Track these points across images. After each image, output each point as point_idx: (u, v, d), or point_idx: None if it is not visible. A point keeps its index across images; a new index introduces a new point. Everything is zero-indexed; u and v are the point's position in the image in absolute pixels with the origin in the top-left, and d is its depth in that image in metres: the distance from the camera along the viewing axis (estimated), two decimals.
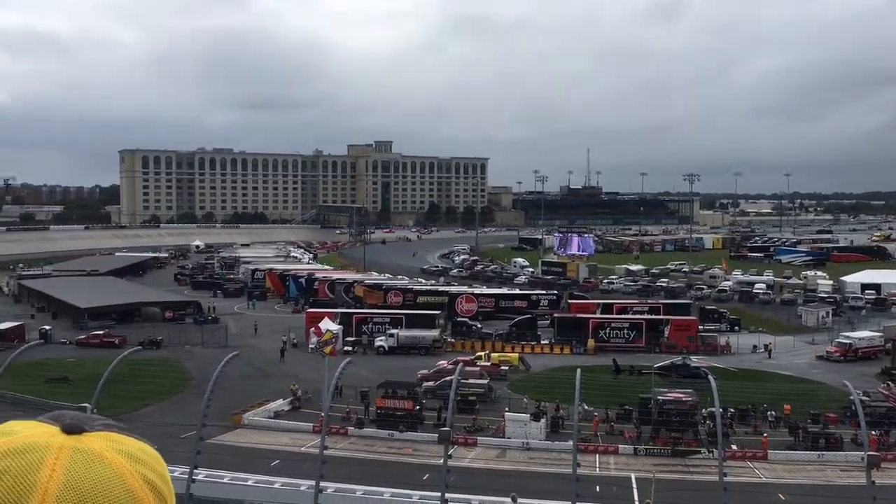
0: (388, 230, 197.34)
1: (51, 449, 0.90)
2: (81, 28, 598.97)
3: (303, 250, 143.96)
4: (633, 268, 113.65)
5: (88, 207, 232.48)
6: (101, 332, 64.77)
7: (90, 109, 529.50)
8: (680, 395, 42.61)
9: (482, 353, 58.24)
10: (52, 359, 54.79)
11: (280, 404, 46.73)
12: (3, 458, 0.89)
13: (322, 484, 26.72)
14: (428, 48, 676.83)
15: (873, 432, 35.84)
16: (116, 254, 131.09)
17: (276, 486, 31.99)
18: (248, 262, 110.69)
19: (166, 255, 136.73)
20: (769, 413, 43.58)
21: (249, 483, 30.71)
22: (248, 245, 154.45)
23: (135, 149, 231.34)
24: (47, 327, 66.67)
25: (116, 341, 61.22)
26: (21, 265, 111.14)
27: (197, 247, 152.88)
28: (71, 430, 0.94)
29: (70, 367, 53.11)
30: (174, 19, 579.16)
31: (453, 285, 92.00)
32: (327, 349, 47.68)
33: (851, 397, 30.89)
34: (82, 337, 64.32)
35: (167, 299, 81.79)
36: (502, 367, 55.22)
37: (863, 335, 63.26)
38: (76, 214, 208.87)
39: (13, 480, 0.86)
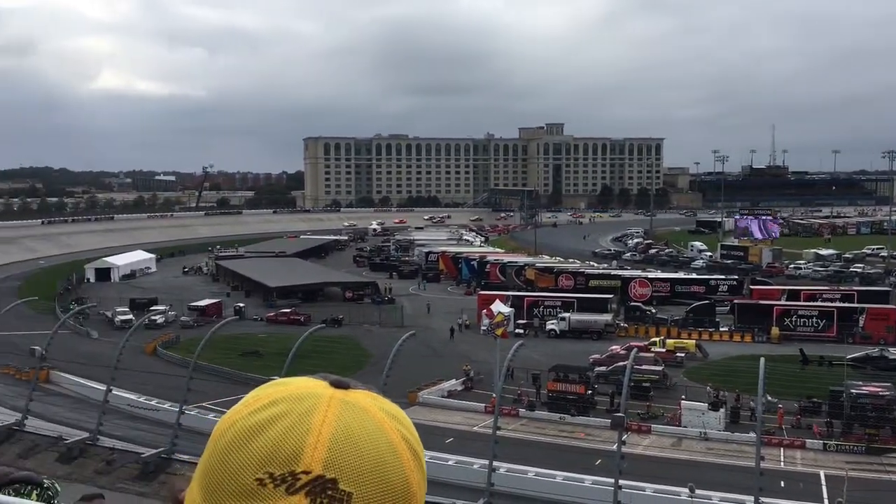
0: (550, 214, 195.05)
1: (323, 398, 0.99)
2: (270, 23, 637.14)
3: (475, 233, 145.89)
4: (824, 252, 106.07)
5: (276, 192, 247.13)
6: (288, 310, 68.89)
7: (278, 100, 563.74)
8: (877, 389, 39.51)
9: (657, 339, 56.71)
10: (246, 334, 58.84)
11: (453, 384, 47.81)
12: (282, 402, 0.98)
13: (495, 463, 27.05)
14: (602, 26, 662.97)
15: None
16: (301, 236, 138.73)
17: (450, 463, 32.79)
18: (422, 245, 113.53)
19: (346, 237, 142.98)
20: None
21: (426, 459, 31.60)
22: (421, 228, 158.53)
23: (317, 136, 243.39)
24: (241, 304, 71.73)
25: (302, 319, 64.81)
26: (218, 247, 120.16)
27: (374, 230, 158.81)
28: (338, 385, 1.03)
29: (261, 341, 56.89)
30: (353, 11, 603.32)
31: (626, 269, 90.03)
32: (499, 331, 48.18)
33: None
34: (272, 314, 68.68)
35: (347, 280, 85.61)
36: (678, 354, 53.50)
37: None
38: (265, 199, 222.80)
39: (292, 421, 0.95)
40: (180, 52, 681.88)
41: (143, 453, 20.97)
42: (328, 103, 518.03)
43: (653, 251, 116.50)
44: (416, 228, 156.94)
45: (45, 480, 3.36)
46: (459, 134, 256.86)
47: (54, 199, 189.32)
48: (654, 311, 68.12)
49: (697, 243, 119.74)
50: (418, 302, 77.96)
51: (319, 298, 77.38)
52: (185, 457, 20.98)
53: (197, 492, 1.00)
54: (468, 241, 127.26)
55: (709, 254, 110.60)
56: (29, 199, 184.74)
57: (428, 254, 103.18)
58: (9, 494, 2.82)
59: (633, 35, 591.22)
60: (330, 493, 0.91)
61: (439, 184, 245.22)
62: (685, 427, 40.38)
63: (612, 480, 25.58)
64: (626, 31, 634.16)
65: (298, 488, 0.90)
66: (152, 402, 37.19)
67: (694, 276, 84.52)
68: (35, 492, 3.17)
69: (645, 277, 78.72)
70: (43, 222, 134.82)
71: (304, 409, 0.97)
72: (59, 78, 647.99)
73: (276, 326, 64.13)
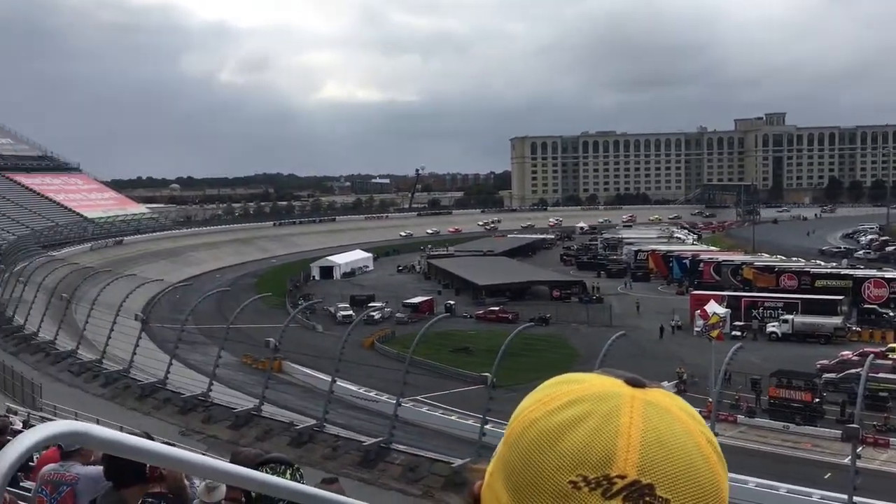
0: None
1: (624, 398, 0.93)
2: (478, 26, 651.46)
3: (686, 231, 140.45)
4: None
5: (484, 192, 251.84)
6: (496, 308, 69.97)
7: (486, 101, 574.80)
8: None
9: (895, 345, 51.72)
10: (456, 331, 60.36)
11: (667, 386, 46.02)
12: (583, 401, 0.93)
13: None
14: (830, 6, 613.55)
15: None
16: (509, 235, 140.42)
17: None
18: (631, 243, 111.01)
19: (553, 236, 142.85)
20: None
21: None
22: (630, 226, 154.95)
23: (524, 136, 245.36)
24: (451, 302, 73.81)
25: (510, 317, 65.54)
26: (430, 246, 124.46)
27: (581, 228, 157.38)
28: (634, 383, 0.97)
29: (471, 338, 58.19)
30: (559, 8, 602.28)
31: (859, 268, 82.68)
32: (714, 333, 46.12)
33: None
34: (480, 312, 70.07)
35: (554, 279, 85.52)
36: None
37: None
38: (473, 199, 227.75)
39: (598, 422, 0.89)
40: (396, 60, 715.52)
41: (364, 441, 22.18)
42: (535, 102, 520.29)
43: (890, 248, 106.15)
44: (625, 226, 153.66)
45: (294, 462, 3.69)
46: (670, 128, 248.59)
47: (283, 203, 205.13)
48: (892, 314, 62.14)
49: None
50: (626, 301, 76.33)
51: (527, 297, 77.89)
52: (402, 447, 21.97)
53: (502, 489, 0.94)
54: (679, 238, 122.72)
55: None
56: (262, 203, 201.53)
57: (637, 252, 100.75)
58: (266, 472, 3.12)
59: (866, 13, 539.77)
60: (647, 499, 0.85)
61: (648, 180, 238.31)
62: None
63: (846, 496, 23.63)
64: (858, 9, 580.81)
65: (615, 493, 0.85)
66: (371, 394, 39.19)
67: None
68: (288, 471, 3.50)
69: (881, 277, 71.81)
70: (274, 224, 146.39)
71: (609, 410, 0.92)
72: (289, 90, 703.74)
73: (485, 324, 65.32)
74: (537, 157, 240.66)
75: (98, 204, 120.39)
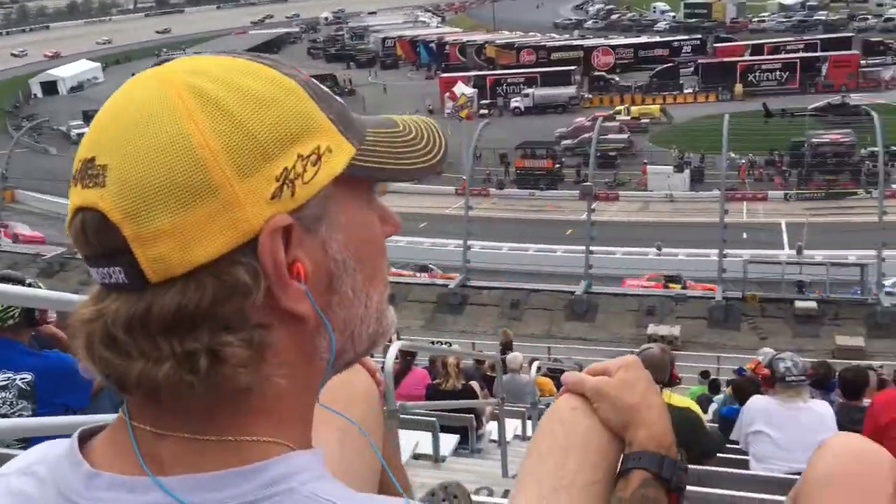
0: None
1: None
2: None
3: (430, 14, 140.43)
4: (788, 2, 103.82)
5: None
6: None
7: None
8: (837, 137, 40.42)
9: (621, 108, 56.70)
10: None
11: None
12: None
13: (469, 242, 27.87)
14: None
15: None
16: (250, 32, 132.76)
17: (425, 245, 33.80)
18: (377, 31, 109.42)
19: (297, 29, 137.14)
20: None
21: (401, 244, 32.47)
22: (374, 13, 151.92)
23: None
24: None
25: None
26: (165, 50, 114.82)
27: (326, 19, 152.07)
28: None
29: None
30: None
31: (588, 38, 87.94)
32: (463, 113, 47.79)
33: None
34: None
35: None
36: (643, 120, 53.75)
37: None
38: None
39: None
40: None
41: None
42: None
43: (615, 17, 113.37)
44: (370, 13, 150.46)
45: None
46: None
47: None
48: (617, 79, 67.51)
49: (660, 3, 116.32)
50: (377, 91, 76.38)
51: None
52: None
53: None
54: (424, 22, 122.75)
55: (672, 14, 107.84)
56: None
57: (384, 40, 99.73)
58: None
59: None
60: (90, 172, 0.78)
61: None
62: (651, 191, 41.43)
63: (583, 248, 26.58)
64: None
65: (77, 180, 0.79)
66: None
67: (657, 39, 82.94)
68: None
69: (607, 45, 77.13)
70: None
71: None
72: None
73: None
74: None
75: None
